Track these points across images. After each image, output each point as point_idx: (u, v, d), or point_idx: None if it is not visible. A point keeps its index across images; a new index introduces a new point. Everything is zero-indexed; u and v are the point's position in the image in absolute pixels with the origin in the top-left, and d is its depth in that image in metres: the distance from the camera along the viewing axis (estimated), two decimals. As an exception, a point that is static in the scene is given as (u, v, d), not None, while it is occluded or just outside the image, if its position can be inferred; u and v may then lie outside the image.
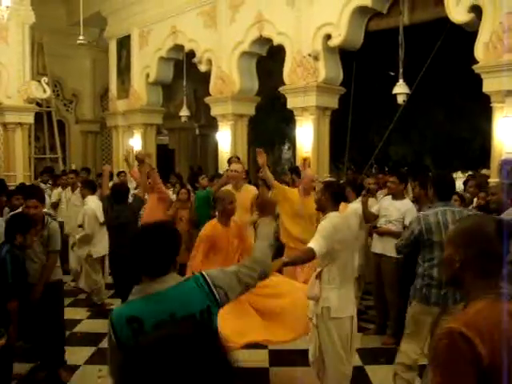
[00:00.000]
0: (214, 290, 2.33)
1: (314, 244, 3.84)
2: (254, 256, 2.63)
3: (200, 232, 4.87)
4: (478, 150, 11.42)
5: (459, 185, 8.68)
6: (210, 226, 4.81)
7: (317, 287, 4.03)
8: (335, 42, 9.51)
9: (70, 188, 8.75)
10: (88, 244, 7.26)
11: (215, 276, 2.39)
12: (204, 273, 2.40)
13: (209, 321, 2.27)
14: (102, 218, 7.06)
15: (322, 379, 4.18)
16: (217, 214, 4.94)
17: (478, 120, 10.43)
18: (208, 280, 2.35)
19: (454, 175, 13.93)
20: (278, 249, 6.91)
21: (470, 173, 12.18)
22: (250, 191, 6.88)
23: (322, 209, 4.22)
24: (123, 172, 11.22)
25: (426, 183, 5.95)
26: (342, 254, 3.98)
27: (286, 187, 6.62)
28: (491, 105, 7.50)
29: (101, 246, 7.25)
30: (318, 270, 4.08)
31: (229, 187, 7.01)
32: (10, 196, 6.63)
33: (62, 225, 7.61)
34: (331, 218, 4.02)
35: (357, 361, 5.07)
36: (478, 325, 1.62)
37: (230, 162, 9.04)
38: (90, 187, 7.54)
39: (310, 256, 3.88)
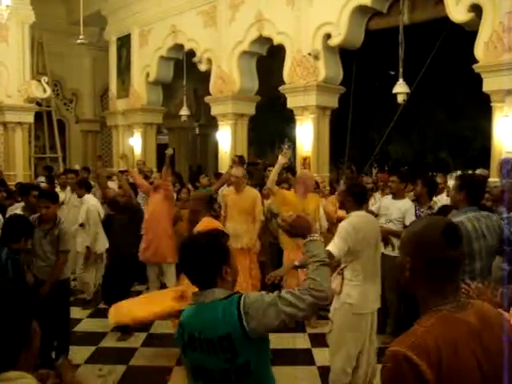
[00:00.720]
0: (243, 318, 2.06)
1: (332, 247, 3.89)
2: (307, 284, 2.13)
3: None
4: (479, 149, 11.43)
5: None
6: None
7: (337, 282, 4.12)
8: (335, 41, 9.51)
9: (69, 188, 8.65)
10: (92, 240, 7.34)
11: (252, 302, 2.10)
12: (243, 295, 2.15)
13: (228, 348, 2.06)
14: (102, 215, 7.34)
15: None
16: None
17: (478, 119, 10.43)
18: (241, 304, 2.09)
19: (454, 174, 13.95)
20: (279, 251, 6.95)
21: (469, 172, 12.18)
22: (251, 194, 6.88)
23: (346, 209, 4.37)
24: (126, 171, 11.16)
25: (428, 182, 5.97)
26: (364, 252, 4.09)
27: (285, 191, 6.62)
28: (491, 104, 7.50)
29: (103, 241, 7.41)
30: (342, 266, 4.19)
31: (231, 188, 7.03)
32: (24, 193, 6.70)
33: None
34: (351, 219, 4.13)
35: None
36: (426, 346, 1.45)
37: (234, 162, 9.09)
38: (86, 187, 7.61)
39: (329, 264, 3.89)
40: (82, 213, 7.37)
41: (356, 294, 4.06)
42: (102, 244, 7.41)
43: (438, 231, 1.61)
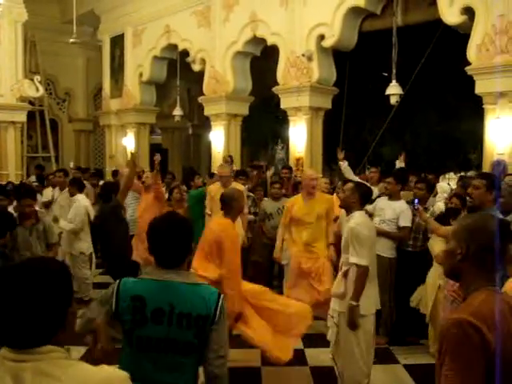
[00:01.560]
0: (217, 315, 2.33)
1: (357, 258, 3.94)
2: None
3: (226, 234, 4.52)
4: (472, 150, 11.49)
5: (452, 186, 8.72)
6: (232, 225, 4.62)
7: (343, 285, 4.09)
8: (329, 42, 9.53)
9: (58, 188, 8.53)
10: (75, 240, 7.26)
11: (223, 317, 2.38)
12: (222, 296, 2.40)
13: (202, 328, 2.31)
14: (92, 215, 7.32)
15: (342, 377, 4.24)
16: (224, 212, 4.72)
17: (471, 121, 10.49)
18: (219, 303, 2.35)
19: (447, 176, 14.01)
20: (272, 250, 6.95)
21: (462, 174, 12.23)
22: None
23: (348, 208, 4.26)
24: (117, 171, 11.14)
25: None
26: (369, 253, 4.05)
27: (293, 198, 6.55)
28: (483, 106, 7.55)
29: (90, 242, 7.38)
30: (345, 268, 4.13)
31: (218, 185, 7.08)
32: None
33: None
34: (360, 220, 4.10)
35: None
36: (483, 313, 1.70)
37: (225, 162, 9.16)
38: (78, 186, 7.58)
39: (365, 275, 3.98)
40: (70, 213, 7.33)
41: (363, 296, 4.00)
42: (89, 244, 7.36)
43: (495, 223, 1.86)
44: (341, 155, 8.18)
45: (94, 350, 1.73)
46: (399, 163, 8.48)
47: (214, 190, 7.04)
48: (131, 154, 7.22)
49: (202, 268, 4.41)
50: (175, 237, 2.36)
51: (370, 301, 4.10)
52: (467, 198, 5.76)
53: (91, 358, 1.67)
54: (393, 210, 5.74)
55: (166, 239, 2.35)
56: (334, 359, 4.36)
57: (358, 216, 4.13)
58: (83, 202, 7.33)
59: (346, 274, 4.10)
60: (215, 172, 9.81)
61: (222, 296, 2.39)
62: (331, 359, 4.39)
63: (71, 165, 11.89)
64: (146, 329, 2.29)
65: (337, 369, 4.36)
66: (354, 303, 3.95)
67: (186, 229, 2.43)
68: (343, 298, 4.07)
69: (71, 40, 12.40)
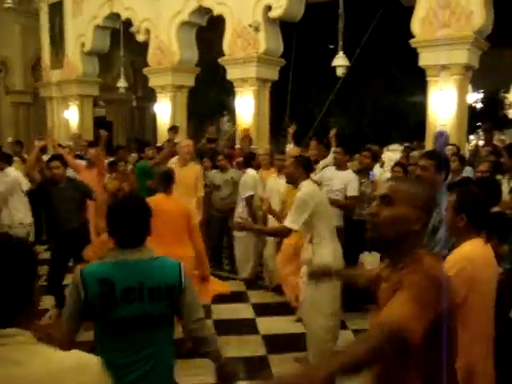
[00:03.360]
0: (183, 280, 2.44)
1: (289, 221, 4.16)
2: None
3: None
4: (414, 122, 11.77)
5: (396, 156, 8.95)
6: None
7: (310, 250, 4.32)
8: (276, 13, 9.48)
9: None
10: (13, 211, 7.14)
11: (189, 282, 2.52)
12: (182, 264, 2.52)
13: (172, 298, 2.41)
14: (25, 187, 7.27)
15: (309, 338, 4.43)
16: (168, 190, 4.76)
17: (415, 93, 10.74)
18: (182, 270, 2.47)
19: (391, 147, 14.33)
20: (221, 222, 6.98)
21: (406, 144, 12.54)
22: (194, 169, 6.99)
23: (294, 181, 4.47)
24: (61, 146, 10.74)
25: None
26: (324, 214, 4.30)
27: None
28: (427, 79, 7.74)
29: (26, 214, 7.25)
30: (309, 236, 4.35)
31: (174, 161, 6.96)
32: None
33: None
34: (306, 188, 4.31)
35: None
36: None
37: (172, 130, 8.97)
38: (6, 159, 7.40)
39: (283, 233, 4.34)
40: (1, 185, 7.18)
41: (328, 253, 4.23)
42: (25, 216, 7.27)
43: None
44: (292, 128, 8.29)
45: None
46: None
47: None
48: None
49: (176, 246, 4.43)
50: (137, 217, 2.43)
51: (337, 257, 4.31)
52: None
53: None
54: (340, 180, 5.82)
55: (128, 221, 2.40)
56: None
57: (306, 185, 4.34)
58: (13, 174, 7.24)
59: (311, 240, 4.33)
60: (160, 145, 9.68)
61: (182, 264, 2.50)
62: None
63: (9, 140, 11.38)
64: (118, 310, 2.32)
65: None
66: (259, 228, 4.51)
67: (145, 208, 2.50)
68: (311, 264, 4.25)
69: (6, 5, 11.79)
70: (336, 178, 5.87)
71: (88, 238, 5.90)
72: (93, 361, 1.34)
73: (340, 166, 5.98)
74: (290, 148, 7.71)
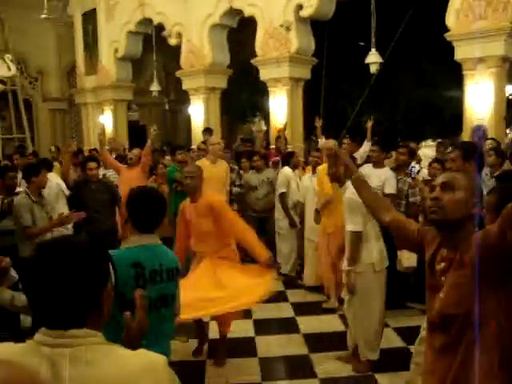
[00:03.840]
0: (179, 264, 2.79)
1: (351, 226, 4.18)
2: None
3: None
4: (449, 117, 11.60)
5: (432, 153, 8.84)
6: (184, 202, 4.70)
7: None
8: (307, 12, 9.47)
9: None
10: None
11: None
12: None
13: (177, 278, 2.73)
14: (66, 191, 7.29)
15: (357, 337, 4.44)
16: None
17: (449, 87, 10.59)
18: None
19: (423, 143, 14.16)
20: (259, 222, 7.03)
21: (439, 140, 12.36)
22: (224, 164, 7.30)
23: (338, 180, 4.32)
24: (95, 149, 11.02)
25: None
26: (362, 218, 4.24)
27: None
28: (463, 72, 7.62)
29: None
30: None
31: (205, 160, 7.05)
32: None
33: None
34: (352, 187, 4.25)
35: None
36: None
37: (207, 132, 9.15)
38: (46, 166, 7.56)
39: (357, 241, 4.22)
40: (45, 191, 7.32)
41: (375, 253, 4.28)
42: None
43: None
44: (319, 123, 8.25)
45: (131, 327, 1.62)
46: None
47: (203, 166, 6.89)
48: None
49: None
50: (156, 205, 2.72)
51: (384, 256, 4.36)
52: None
53: (127, 339, 1.56)
54: (378, 178, 5.77)
55: (149, 208, 2.68)
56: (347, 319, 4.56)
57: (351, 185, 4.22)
58: (55, 180, 7.38)
59: None
60: (193, 147, 9.79)
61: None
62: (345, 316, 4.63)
63: (52, 149, 11.57)
64: (147, 292, 2.36)
65: (349, 331, 4.55)
66: (349, 268, 4.22)
67: (162, 198, 2.84)
68: (357, 263, 4.28)
69: (42, 16, 12.08)
70: (373, 176, 5.82)
71: (116, 242, 5.94)
72: (162, 361, 1.36)
73: (377, 163, 5.95)
74: (324, 142, 7.62)
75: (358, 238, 4.22)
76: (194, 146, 10.15)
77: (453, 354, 2.02)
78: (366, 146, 7.40)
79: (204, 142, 8.58)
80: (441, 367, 2.07)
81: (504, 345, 1.96)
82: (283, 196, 6.98)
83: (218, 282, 4.28)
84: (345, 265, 4.38)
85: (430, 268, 2.17)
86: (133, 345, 1.42)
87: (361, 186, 2.67)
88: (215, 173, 6.76)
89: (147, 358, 1.34)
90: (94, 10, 14.01)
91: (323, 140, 7.91)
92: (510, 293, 1.97)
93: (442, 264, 2.10)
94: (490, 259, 1.89)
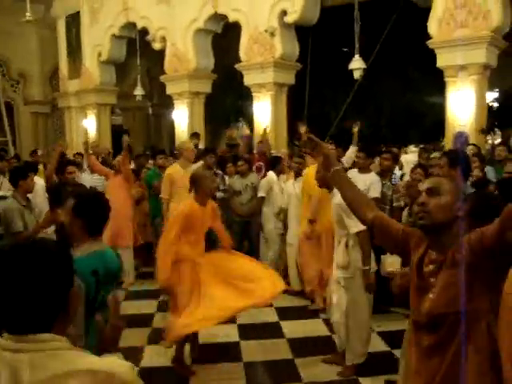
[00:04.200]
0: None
1: (354, 226, 4.11)
2: None
3: (175, 211, 4.86)
4: (432, 123, 11.72)
5: (414, 158, 8.91)
6: (189, 206, 4.63)
7: (347, 255, 4.32)
8: (291, 17, 9.54)
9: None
10: None
11: None
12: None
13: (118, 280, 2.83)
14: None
15: (347, 341, 4.45)
16: (193, 193, 4.74)
17: (433, 94, 10.71)
18: None
19: (409, 150, 14.28)
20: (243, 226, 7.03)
21: (422, 146, 12.47)
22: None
23: (327, 185, 4.26)
24: (79, 154, 10.92)
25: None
26: None
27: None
28: (445, 79, 7.73)
29: None
30: (345, 239, 4.35)
31: (176, 166, 6.94)
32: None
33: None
34: None
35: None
36: None
37: (194, 136, 9.20)
38: (33, 169, 7.47)
39: (366, 240, 4.19)
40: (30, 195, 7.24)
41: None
42: None
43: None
44: (303, 129, 8.26)
45: (104, 332, 1.59)
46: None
47: (175, 172, 6.76)
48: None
49: None
50: (106, 210, 2.77)
51: (372, 259, 4.40)
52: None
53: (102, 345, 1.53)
54: (363, 182, 5.81)
55: (102, 212, 2.74)
56: (337, 323, 4.54)
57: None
58: (39, 182, 7.29)
59: (347, 245, 4.34)
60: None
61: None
62: (335, 323, 4.56)
63: (39, 153, 11.43)
64: (99, 295, 2.56)
65: (339, 335, 4.55)
66: (368, 267, 4.26)
67: (107, 202, 2.82)
68: (348, 268, 4.32)
69: (25, 18, 11.95)
70: (359, 181, 5.87)
71: None
72: (127, 366, 1.31)
73: (363, 169, 5.99)
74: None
75: (365, 235, 4.14)
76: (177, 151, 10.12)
77: (442, 353, 2.05)
78: (352, 152, 7.45)
79: (196, 146, 8.57)
80: (429, 367, 2.09)
81: (494, 344, 2.01)
82: (261, 200, 7.13)
83: (225, 278, 4.49)
84: (336, 271, 4.42)
85: (418, 270, 2.20)
86: (108, 350, 1.40)
87: (341, 179, 2.54)
88: (186, 180, 6.53)
89: (112, 365, 1.29)
90: (78, 13, 13.93)
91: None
92: (499, 294, 2.03)
93: (431, 266, 2.14)
94: (484, 259, 1.94)
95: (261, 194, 7.09)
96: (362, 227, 4.05)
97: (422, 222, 2.14)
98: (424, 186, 2.21)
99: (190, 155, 6.98)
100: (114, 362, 1.31)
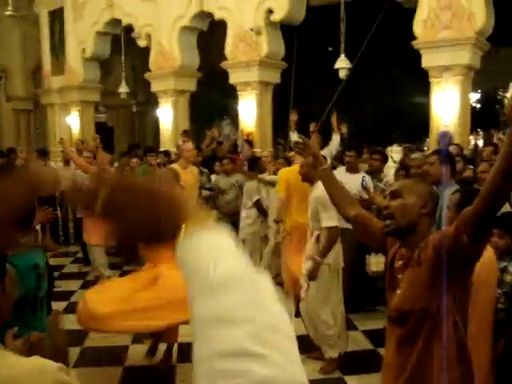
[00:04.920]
0: None
1: (327, 221, 4.15)
2: None
3: None
4: (416, 122, 11.82)
5: (399, 157, 8.99)
6: None
7: (315, 249, 4.33)
8: (277, 16, 9.53)
9: None
10: None
11: None
12: None
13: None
14: None
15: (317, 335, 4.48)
16: None
17: (417, 94, 10.80)
18: None
19: (390, 148, 14.39)
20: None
21: (406, 146, 12.57)
22: (195, 169, 7.07)
23: (311, 180, 4.36)
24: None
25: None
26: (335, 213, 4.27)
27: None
28: (429, 80, 7.79)
29: None
30: (316, 233, 4.35)
31: (175, 166, 6.97)
32: None
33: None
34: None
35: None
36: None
37: (184, 134, 9.13)
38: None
39: (334, 235, 4.23)
40: None
41: (333, 255, 4.32)
42: None
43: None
44: (294, 117, 8.31)
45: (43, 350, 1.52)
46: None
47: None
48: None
49: None
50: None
51: (340, 257, 4.44)
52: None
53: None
54: (355, 184, 5.73)
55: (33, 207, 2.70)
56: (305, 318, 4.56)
57: (321, 184, 4.26)
58: None
59: (318, 239, 4.34)
60: (166, 150, 9.71)
61: None
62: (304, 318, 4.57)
63: (19, 149, 11.28)
64: (41, 289, 2.63)
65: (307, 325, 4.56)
66: (320, 259, 4.23)
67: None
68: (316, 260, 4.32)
69: (7, 13, 11.79)
70: (349, 182, 5.79)
71: None
72: (52, 365, 1.28)
73: (352, 169, 5.99)
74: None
75: (335, 232, 4.21)
76: (163, 149, 10.08)
77: (410, 346, 2.10)
78: (336, 140, 7.62)
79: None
80: (399, 360, 2.15)
81: (461, 340, 2.06)
82: (259, 203, 6.94)
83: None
84: (308, 263, 4.42)
85: (390, 266, 2.27)
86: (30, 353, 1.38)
87: (328, 178, 2.70)
88: (187, 178, 6.61)
89: (37, 365, 1.27)
90: (62, 8, 13.75)
91: (295, 134, 7.99)
92: (464, 291, 2.08)
93: (400, 262, 2.21)
94: (445, 258, 1.99)
95: (255, 197, 6.97)
96: (333, 223, 4.17)
97: (387, 229, 2.23)
98: (389, 190, 2.33)
99: (190, 155, 6.93)
100: (43, 361, 1.29)
